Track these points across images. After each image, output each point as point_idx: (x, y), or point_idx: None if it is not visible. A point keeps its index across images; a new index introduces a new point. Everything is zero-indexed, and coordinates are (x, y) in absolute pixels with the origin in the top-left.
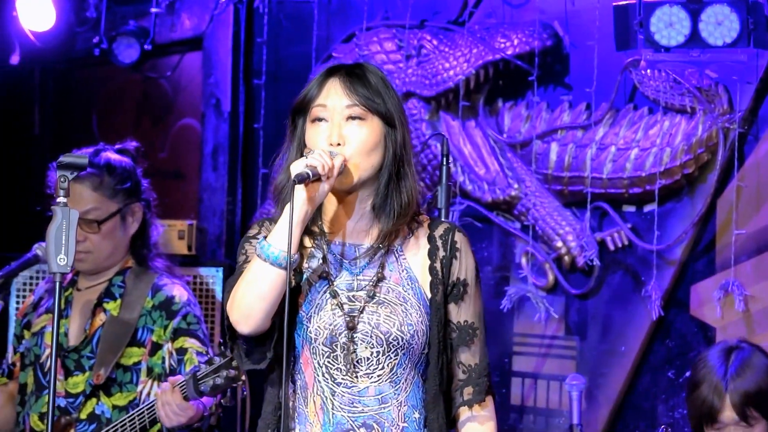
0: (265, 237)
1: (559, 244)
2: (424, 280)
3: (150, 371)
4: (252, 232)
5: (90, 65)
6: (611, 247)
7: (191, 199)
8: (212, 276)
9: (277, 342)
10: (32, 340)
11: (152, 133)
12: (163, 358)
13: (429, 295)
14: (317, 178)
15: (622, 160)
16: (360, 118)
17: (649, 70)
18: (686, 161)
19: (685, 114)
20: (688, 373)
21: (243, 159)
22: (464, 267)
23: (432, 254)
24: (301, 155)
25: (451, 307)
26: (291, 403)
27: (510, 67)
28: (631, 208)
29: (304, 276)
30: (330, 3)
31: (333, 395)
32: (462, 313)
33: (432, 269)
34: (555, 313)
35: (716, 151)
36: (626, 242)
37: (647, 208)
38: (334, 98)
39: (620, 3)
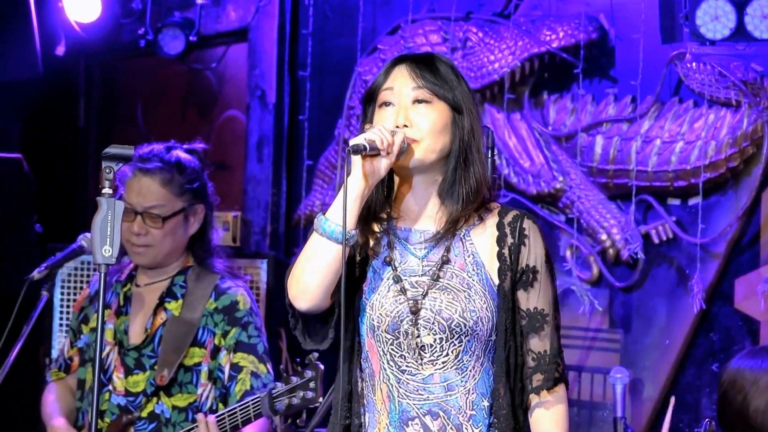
0: (324, 213)
1: (604, 236)
2: (492, 266)
3: (210, 374)
4: None
5: (135, 57)
6: (656, 240)
7: (236, 191)
8: (256, 267)
9: (337, 323)
10: (92, 336)
11: (197, 125)
12: (220, 364)
13: (496, 282)
14: (376, 153)
15: (667, 153)
16: (426, 102)
17: (694, 64)
18: (731, 154)
19: (731, 107)
20: None
21: (288, 151)
22: (533, 254)
23: (500, 241)
24: None
25: (521, 294)
26: (360, 389)
27: (555, 59)
28: (676, 201)
29: (370, 262)
30: None
31: (398, 383)
32: (531, 300)
33: (500, 255)
34: (599, 306)
35: (761, 144)
36: (671, 235)
37: (692, 202)
38: (400, 82)
39: None
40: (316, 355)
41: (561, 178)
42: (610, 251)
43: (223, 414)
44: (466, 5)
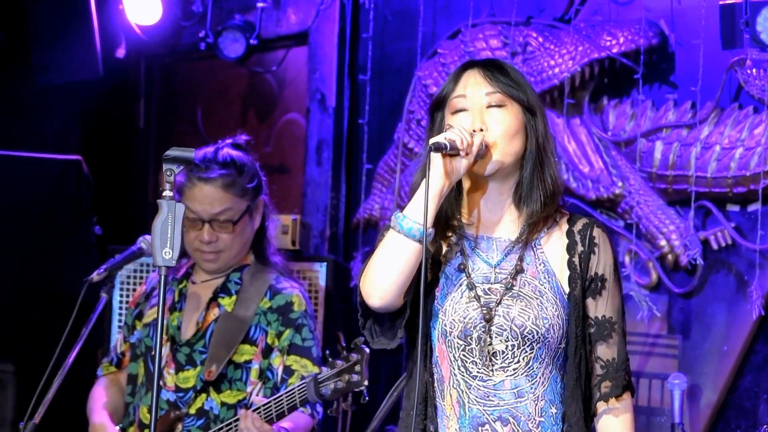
0: (402, 210)
1: (663, 242)
2: (562, 274)
3: (261, 373)
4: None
5: (195, 59)
6: (715, 246)
7: (295, 194)
8: (315, 271)
9: (409, 323)
10: (144, 331)
11: (257, 128)
12: (272, 365)
13: (567, 290)
14: (456, 153)
15: (727, 159)
16: (500, 105)
17: (754, 70)
18: None
19: None
20: None
21: (347, 154)
22: (602, 262)
23: (570, 249)
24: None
25: (589, 302)
26: (430, 391)
27: (615, 65)
28: (735, 208)
29: (443, 268)
30: None
31: (469, 389)
32: (600, 307)
33: (570, 264)
34: (658, 312)
35: None
36: (730, 241)
37: (751, 208)
38: (473, 88)
39: (726, 2)
40: (362, 339)
41: (620, 184)
42: (669, 257)
43: (269, 402)
44: (526, 10)
